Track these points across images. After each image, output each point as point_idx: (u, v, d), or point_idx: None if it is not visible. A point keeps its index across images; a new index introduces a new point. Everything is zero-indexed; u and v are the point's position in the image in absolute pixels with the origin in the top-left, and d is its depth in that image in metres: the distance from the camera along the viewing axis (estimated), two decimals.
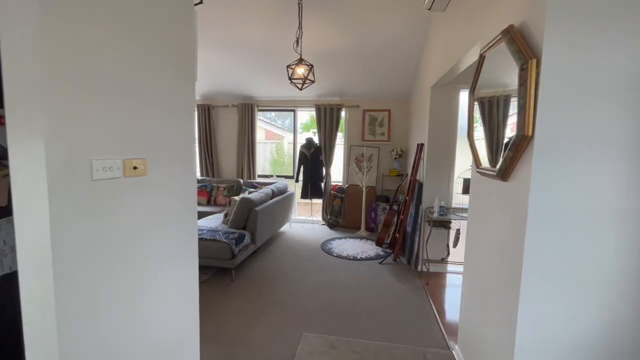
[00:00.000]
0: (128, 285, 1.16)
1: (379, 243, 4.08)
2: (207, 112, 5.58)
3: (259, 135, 8.54)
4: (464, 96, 3.38)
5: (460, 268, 3.35)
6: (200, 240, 3.09)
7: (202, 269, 3.27)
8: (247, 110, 5.45)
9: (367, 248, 4.21)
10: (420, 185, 3.60)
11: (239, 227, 3.53)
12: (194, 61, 1.51)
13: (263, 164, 7.45)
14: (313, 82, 3.25)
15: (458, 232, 3.12)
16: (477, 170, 1.75)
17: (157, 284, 1.30)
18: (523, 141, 1.24)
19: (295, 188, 5.50)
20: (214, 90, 5.37)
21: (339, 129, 5.27)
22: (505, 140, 1.46)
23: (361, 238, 4.69)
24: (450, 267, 3.47)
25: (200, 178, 5.48)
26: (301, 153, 5.28)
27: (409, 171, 4.39)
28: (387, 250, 4.03)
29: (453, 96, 3.35)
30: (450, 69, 2.63)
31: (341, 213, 5.31)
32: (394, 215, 4.10)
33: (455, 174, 3.38)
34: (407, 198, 3.78)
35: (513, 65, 1.29)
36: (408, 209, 3.76)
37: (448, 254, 3.36)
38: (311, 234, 4.91)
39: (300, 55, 3.19)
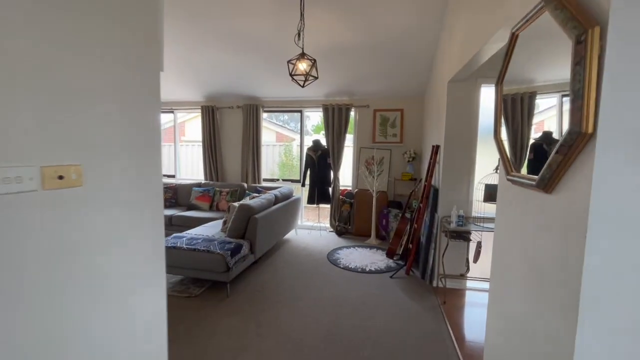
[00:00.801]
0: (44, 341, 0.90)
1: (390, 254, 3.73)
2: (211, 114, 5.39)
3: (270, 137, 8.34)
4: (485, 92, 3.02)
5: (482, 285, 2.98)
6: (193, 251, 2.85)
7: (196, 281, 3.04)
8: (252, 112, 5.22)
9: (377, 259, 3.88)
10: (436, 191, 3.25)
11: (238, 235, 3.28)
12: (159, 48, 1.25)
13: (272, 167, 7.22)
14: (316, 78, 2.97)
15: (479, 245, 2.75)
16: (508, 177, 1.42)
17: (92, 331, 1.04)
18: (579, 140, 0.91)
19: (303, 192, 5.22)
20: (218, 91, 5.17)
21: (348, 130, 4.97)
22: (531, 141, 1.23)
23: (371, 247, 4.36)
24: (470, 284, 3.09)
25: (203, 182, 5.28)
26: (308, 156, 5.00)
27: (423, 175, 4.03)
28: (399, 262, 3.69)
29: (473, 92, 2.99)
30: (470, 59, 2.29)
31: (350, 219, 4.99)
32: (407, 223, 3.75)
33: (475, 179, 3.02)
34: (421, 205, 3.44)
35: (560, 40, 0.96)
36: (422, 217, 3.41)
37: (468, 269, 2.99)
38: (318, 241, 4.61)
39: (302, 49, 2.91)
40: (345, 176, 5.41)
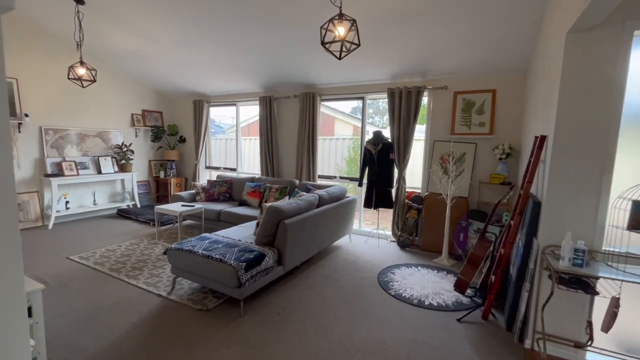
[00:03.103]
0: None
1: (460, 286, 2.74)
2: (269, 105, 5.08)
3: (346, 131, 7.75)
4: (637, 48, 1.80)
5: None
6: (207, 258, 2.47)
7: (213, 293, 2.67)
8: (308, 101, 4.71)
9: (444, 288, 2.92)
10: (538, 204, 2.15)
11: (266, 242, 2.80)
12: None
13: (341, 163, 6.64)
14: (358, 45, 2.22)
15: (616, 303, 1.64)
16: None
17: None
18: None
19: (361, 193, 4.50)
20: (275, 80, 4.80)
21: (419, 119, 4.01)
22: None
23: (440, 269, 3.38)
24: (592, 357, 1.95)
25: (257, 177, 5.03)
26: (366, 150, 4.23)
27: (520, 179, 2.89)
28: (475, 300, 2.68)
29: (614, 46, 1.80)
30: None
31: (417, 229, 4.05)
32: (489, 245, 2.70)
33: (612, 192, 1.85)
34: (513, 222, 2.37)
35: None
36: (513, 240, 2.35)
37: (590, 338, 1.85)
38: (373, 253, 3.84)
39: (340, 9, 2.20)
40: (413, 176, 4.45)
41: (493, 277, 2.50)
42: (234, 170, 5.91)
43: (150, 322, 2.28)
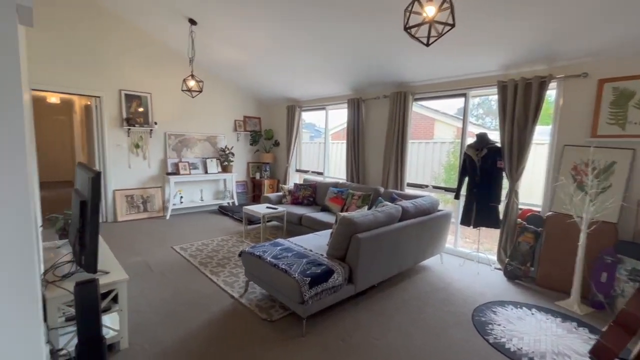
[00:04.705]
0: None
1: (602, 354, 1.91)
2: (357, 107, 4.85)
3: (448, 133, 6.96)
4: None
5: None
6: (274, 267, 2.37)
7: (280, 303, 2.56)
8: (399, 101, 4.28)
9: (572, 347, 2.13)
10: None
11: (337, 256, 2.56)
12: None
13: (438, 170, 5.94)
14: (452, 26, 1.76)
15: None
16: None
17: None
18: None
19: (459, 206, 3.82)
20: (364, 80, 4.54)
21: (538, 118, 3.14)
22: None
23: (566, 317, 2.53)
24: None
25: (341, 182, 4.84)
26: (466, 157, 3.55)
27: None
28: None
29: None
30: None
31: (533, 258, 3.18)
32: None
33: None
34: None
35: None
36: None
37: None
38: (469, 281, 3.17)
39: None
40: (530, 190, 3.54)
41: None
42: (320, 174, 5.89)
43: (217, 324, 2.31)
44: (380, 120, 4.67)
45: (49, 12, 4.20)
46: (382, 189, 4.23)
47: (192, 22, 4.12)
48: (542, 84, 3.07)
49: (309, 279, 2.18)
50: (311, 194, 4.94)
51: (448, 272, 3.39)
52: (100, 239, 2.62)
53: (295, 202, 4.92)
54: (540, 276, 3.10)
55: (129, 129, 5.03)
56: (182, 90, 4.43)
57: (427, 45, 1.86)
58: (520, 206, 3.36)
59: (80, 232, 2.00)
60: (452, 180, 5.03)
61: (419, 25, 1.79)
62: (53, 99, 7.05)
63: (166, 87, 5.37)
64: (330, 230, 3.29)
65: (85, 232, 1.92)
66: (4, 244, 0.75)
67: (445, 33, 1.83)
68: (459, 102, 3.96)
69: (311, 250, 2.69)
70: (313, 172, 6.07)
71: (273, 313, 2.45)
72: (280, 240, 2.94)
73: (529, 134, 3.17)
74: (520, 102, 3.20)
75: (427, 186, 4.32)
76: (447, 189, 4.13)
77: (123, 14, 4.64)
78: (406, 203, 3.12)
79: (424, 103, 4.70)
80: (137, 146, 5.16)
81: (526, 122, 3.20)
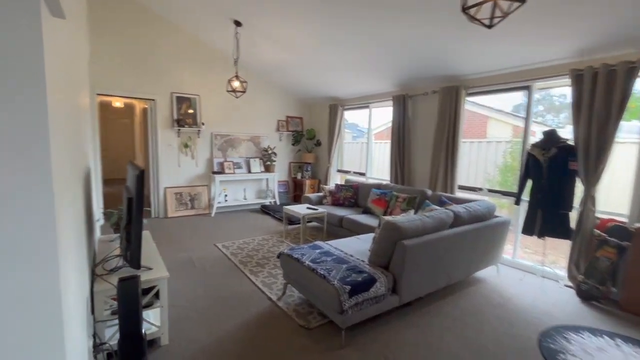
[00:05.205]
0: None
1: None
2: (402, 104, 4.58)
3: (503, 132, 6.36)
4: None
5: None
6: (312, 271, 2.26)
7: (319, 310, 2.44)
8: (449, 96, 3.94)
9: None
10: None
11: (380, 263, 2.37)
12: None
13: (493, 172, 5.45)
14: (522, 2, 1.49)
15: None
16: None
17: None
18: None
19: (520, 213, 3.40)
20: (411, 75, 4.27)
21: (624, 112, 2.64)
22: None
23: None
24: None
25: (384, 184, 4.61)
26: (530, 157, 3.13)
27: None
28: None
29: None
30: None
31: (614, 277, 2.69)
32: None
33: None
34: None
35: None
36: None
37: None
38: (532, 298, 2.78)
39: None
40: (611, 195, 3.02)
41: None
42: (362, 174, 5.69)
43: (254, 326, 2.25)
44: (428, 117, 4.36)
45: (112, 23, 4.54)
46: (429, 192, 3.92)
47: (237, 23, 4.18)
48: (631, 72, 2.59)
49: (349, 287, 2.03)
50: (352, 195, 4.77)
51: (506, 286, 3.01)
52: (149, 234, 2.72)
53: (336, 203, 4.78)
54: (625, 299, 2.62)
55: (179, 130, 5.28)
56: (227, 91, 4.53)
57: (489, 27, 1.61)
58: (598, 214, 2.87)
59: (127, 228, 2.06)
60: (509, 184, 4.54)
61: (480, 3, 1.55)
62: (117, 103, 7.71)
63: (213, 88, 5.56)
64: (372, 235, 3.10)
65: (131, 228, 1.97)
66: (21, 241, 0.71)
67: (512, 11, 1.57)
68: (516, 97, 3.53)
69: (352, 256, 2.54)
70: (355, 172, 5.89)
71: (311, 320, 2.34)
72: (319, 242, 2.82)
73: (611, 131, 2.69)
74: (600, 94, 2.73)
75: (481, 189, 3.92)
76: (504, 193, 3.71)
77: (174, 20, 4.88)
78: (458, 208, 2.83)
79: (476, 99, 4.28)
80: (186, 146, 5.41)
81: (608, 116, 2.72)
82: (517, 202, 3.29)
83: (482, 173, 4.77)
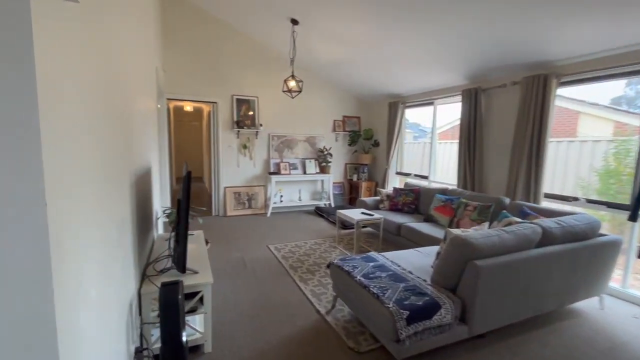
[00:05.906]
0: None
1: None
2: (474, 98, 4.03)
3: (599, 129, 5.29)
4: None
5: None
6: (364, 288, 2.00)
7: (371, 332, 2.16)
8: (535, 87, 3.32)
9: None
10: None
11: (445, 284, 2.01)
12: None
13: (588, 177, 4.55)
14: None
15: None
16: None
17: None
18: None
19: (635, 232, 2.68)
20: (484, 66, 3.72)
21: None
22: None
23: None
24: None
25: (450, 189, 4.10)
26: None
27: None
28: None
29: None
30: None
31: None
32: None
33: None
34: None
35: None
36: None
37: None
38: None
39: None
40: None
41: None
42: (425, 178, 5.19)
43: (299, 341, 2.07)
44: (506, 112, 3.75)
45: (180, 32, 4.83)
46: (506, 200, 3.35)
47: (294, 22, 4.10)
48: None
49: (407, 312, 1.73)
50: (413, 200, 4.35)
51: (613, 324, 2.37)
52: (201, 234, 2.73)
53: (394, 208, 4.41)
54: None
55: (238, 131, 5.43)
56: (283, 91, 4.49)
57: None
58: None
59: (177, 229, 2.05)
60: (612, 192, 3.68)
61: None
62: (187, 107, 8.35)
63: (270, 89, 5.60)
64: (436, 248, 2.71)
65: (179, 230, 1.95)
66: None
67: None
68: (616, 88, 2.76)
69: (411, 273, 2.21)
70: (416, 175, 5.41)
71: (362, 342, 2.08)
72: (373, 254, 2.54)
73: None
74: None
75: (576, 199, 3.22)
76: (609, 205, 2.97)
77: (234, 23, 5.01)
78: (547, 222, 2.29)
79: (570, 90, 3.53)
80: (244, 147, 5.54)
81: None
82: (633, 218, 2.58)
83: (574, 178, 3.96)
